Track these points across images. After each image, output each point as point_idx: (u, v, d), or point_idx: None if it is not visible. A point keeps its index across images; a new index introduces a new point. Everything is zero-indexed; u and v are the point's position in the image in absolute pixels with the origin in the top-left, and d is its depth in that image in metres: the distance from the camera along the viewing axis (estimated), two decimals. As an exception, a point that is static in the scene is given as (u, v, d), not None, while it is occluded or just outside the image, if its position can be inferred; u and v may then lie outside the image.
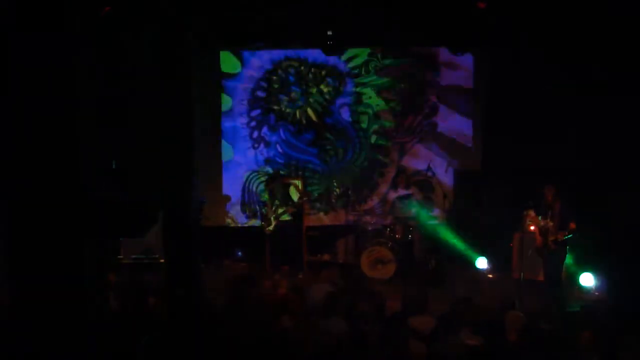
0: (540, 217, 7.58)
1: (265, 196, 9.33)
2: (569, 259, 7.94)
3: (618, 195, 7.88)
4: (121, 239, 8.23)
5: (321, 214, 10.13)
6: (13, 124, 3.19)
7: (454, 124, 10.00)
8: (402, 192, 9.37)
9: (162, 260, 7.93)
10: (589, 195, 7.97)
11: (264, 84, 9.91)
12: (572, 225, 7.26)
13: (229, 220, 10.07)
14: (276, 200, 9.06)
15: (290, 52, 9.85)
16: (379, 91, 9.94)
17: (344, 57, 9.86)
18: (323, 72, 9.88)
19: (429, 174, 9.92)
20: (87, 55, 3.37)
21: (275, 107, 9.96)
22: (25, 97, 3.18)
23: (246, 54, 9.87)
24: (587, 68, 8.17)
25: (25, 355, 3.26)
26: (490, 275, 9.04)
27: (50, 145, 3.20)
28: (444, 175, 10.01)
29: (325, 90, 9.92)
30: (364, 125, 10.02)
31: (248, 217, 10.10)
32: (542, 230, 7.55)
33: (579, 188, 7.98)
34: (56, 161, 3.21)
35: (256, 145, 10.01)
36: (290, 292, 5.91)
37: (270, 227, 8.96)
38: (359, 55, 9.88)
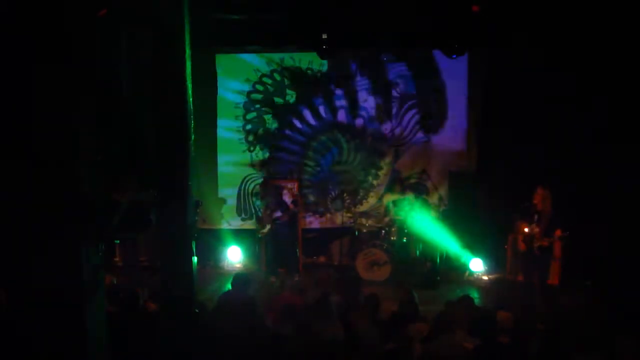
0: (528, 223, 7.53)
1: (260, 199, 9.36)
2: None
3: (616, 195, 7.91)
4: (116, 241, 8.22)
5: (316, 216, 10.15)
6: (10, 124, 3.20)
7: (449, 125, 10.03)
8: (397, 194, 9.39)
9: (158, 263, 7.93)
10: (586, 195, 8.00)
11: (260, 87, 9.92)
12: (558, 232, 7.22)
13: (224, 223, 10.08)
14: (271, 203, 9.06)
15: (285, 55, 9.86)
16: (374, 94, 9.97)
17: (338, 60, 9.87)
18: (318, 75, 9.90)
19: (424, 176, 9.96)
20: (85, 55, 3.38)
21: (271, 110, 9.97)
22: (23, 96, 3.19)
23: (242, 56, 9.88)
24: (583, 69, 8.21)
25: (23, 358, 3.27)
26: (485, 277, 9.08)
27: (48, 146, 3.21)
28: (439, 177, 10.04)
29: (320, 93, 9.93)
30: (359, 128, 10.04)
31: (243, 220, 10.11)
32: (526, 238, 7.50)
33: (574, 189, 8.02)
34: (54, 162, 3.22)
35: (252, 148, 10.03)
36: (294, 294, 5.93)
37: (265, 230, 8.97)
38: (353, 58, 9.90)
